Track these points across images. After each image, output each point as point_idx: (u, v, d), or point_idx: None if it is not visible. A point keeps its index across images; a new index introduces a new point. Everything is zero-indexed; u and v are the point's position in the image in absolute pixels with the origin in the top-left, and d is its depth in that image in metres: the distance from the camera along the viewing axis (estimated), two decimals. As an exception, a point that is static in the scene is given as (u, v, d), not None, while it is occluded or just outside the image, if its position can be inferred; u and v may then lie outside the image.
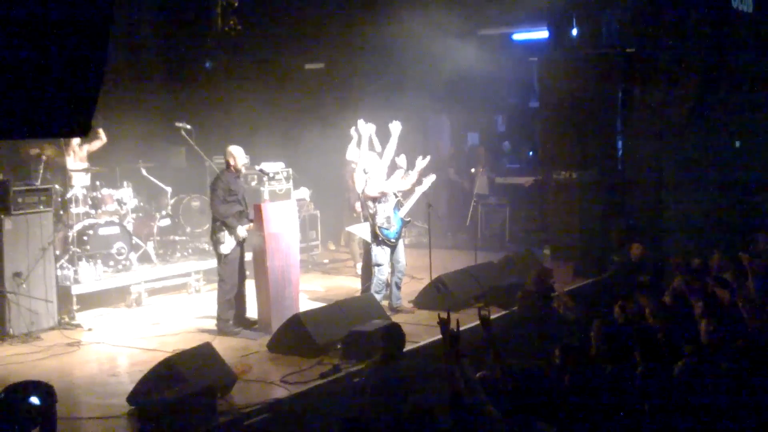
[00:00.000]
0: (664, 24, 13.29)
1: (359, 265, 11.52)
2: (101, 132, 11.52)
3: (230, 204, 9.29)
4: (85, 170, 11.22)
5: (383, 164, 10.14)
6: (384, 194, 9.93)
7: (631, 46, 13.46)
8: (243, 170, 9.67)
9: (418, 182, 10.46)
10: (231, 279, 9.38)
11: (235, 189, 9.39)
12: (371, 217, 9.91)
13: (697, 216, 13.17)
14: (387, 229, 9.87)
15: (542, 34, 14.38)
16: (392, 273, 10.10)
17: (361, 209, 10.40)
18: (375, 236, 9.89)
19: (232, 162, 9.45)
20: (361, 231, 10.52)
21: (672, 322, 7.48)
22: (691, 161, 13.45)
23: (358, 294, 10.39)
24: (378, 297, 9.80)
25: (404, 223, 10.16)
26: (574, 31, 13.52)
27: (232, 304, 9.41)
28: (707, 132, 13.52)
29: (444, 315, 5.81)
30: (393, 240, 9.92)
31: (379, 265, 9.93)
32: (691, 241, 12.65)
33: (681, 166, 13.47)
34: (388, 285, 10.10)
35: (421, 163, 10.32)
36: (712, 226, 13.15)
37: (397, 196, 10.09)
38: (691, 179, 13.41)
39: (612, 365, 6.34)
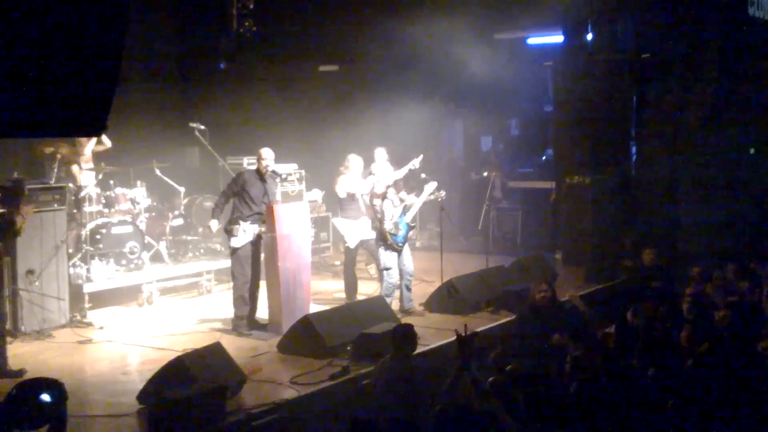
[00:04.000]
0: (679, 30, 13.24)
1: (372, 267, 11.55)
2: (104, 136, 11.47)
3: (243, 203, 9.38)
4: (99, 169, 11.26)
5: (389, 172, 10.30)
6: (388, 188, 10.05)
7: (646, 52, 13.42)
8: (266, 173, 9.66)
9: (419, 191, 10.56)
10: (242, 276, 9.41)
11: (249, 189, 9.42)
12: (379, 222, 9.97)
13: (710, 222, 13.11)
14: (395, 234, 9.93)
15: (557, 38, 14.33)
16: (401, 277, 10.12)
17: (371, 212, 10.44)
18: (384, 240, 9.94)
19: (257, 163, 9.63)
20: (345, 228, 10.64)
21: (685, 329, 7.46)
22: (704, 167, 13.39)
23: (369, 296, 10.41)
24: (387, 300, 9.82)
25: (410, 228, 10.21)
26: (589, 36, 13.48)
27: (246, 301, 9.43)
28: (721, 138, 13.46)
29: (461, 331, 5.85)
30: (400, 244, 10.01)
31: (387, 268, 9.98)
32: (704, 247, 12.59)
33: (695, 172, 13.42)
34: (397, 287, 10.11)
35: (415, 162, 10.52)
36: (726, 233, 13.08)
37: (403, 201, 10.15)
38: (705, 185, 13.36)
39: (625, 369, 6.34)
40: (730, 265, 10.07)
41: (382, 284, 10.06)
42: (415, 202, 10.35)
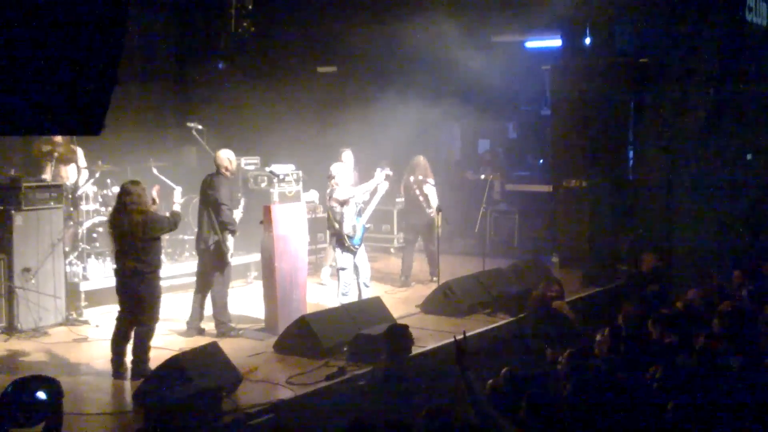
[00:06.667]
0: (678, 34, 13.27)
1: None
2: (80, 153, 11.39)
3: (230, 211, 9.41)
4: (97, 168, 11.24)
5: (350, 174, 10.40)
6: (348, 200, 10.10)
7: (644, 56, 13.44)
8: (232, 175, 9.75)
9: (374, 190, 10.59)
10: (227, 283, 9.55)
11: (232, 195, 9.51)
12: (338, 224, 9.99)
13: (707, 227, 13.12)
14: (352, 236, 10.04)
15: (555, 42, 14.36)
16: (358, 275, 10.22)
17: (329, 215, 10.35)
18: (341, 243, 10.02)
19: (230, 166, 9.52)
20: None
21: (679, 333, 7.46)
22: (702, 172, 13.41)
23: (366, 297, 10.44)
24: (345, 299, 9.97)
25: (365, 230, 10.31)
26: (588, 40, 13.50)
27: (227, 305, 9.52)
28: (719, 143, 13.48)
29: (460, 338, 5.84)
30: (357, 246, 10.13)
31: (343, 269, 10.14)
32: (700, 252, 12.60)
33: (692, 177, 13.43)
34: (354, 287, 10.23)
35: (381, 174, 10.47)
36: (723, 238, 13.09)
37: (358, 204, 10.21)
38: (702, 190, 13.37)
39: (622, 371, 6.34)
40: (735, 272, 10.04)
41: (339, 284, 10.19)
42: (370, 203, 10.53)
